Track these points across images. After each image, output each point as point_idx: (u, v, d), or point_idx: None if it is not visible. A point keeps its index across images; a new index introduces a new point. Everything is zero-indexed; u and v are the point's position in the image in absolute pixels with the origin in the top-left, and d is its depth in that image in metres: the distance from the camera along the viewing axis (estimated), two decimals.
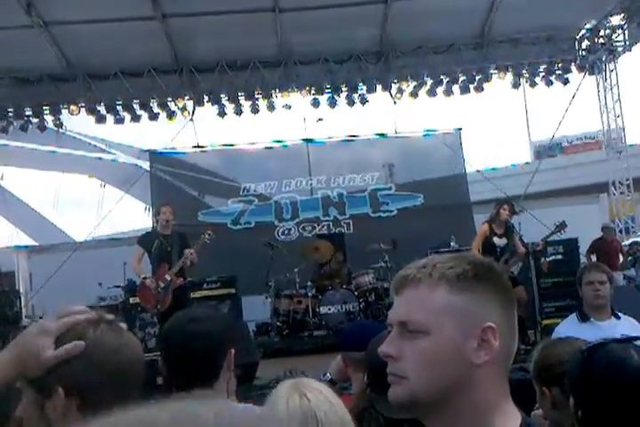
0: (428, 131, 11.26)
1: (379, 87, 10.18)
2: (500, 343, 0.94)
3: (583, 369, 1.54)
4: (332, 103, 10.13)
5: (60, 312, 1.08)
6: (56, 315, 1.09)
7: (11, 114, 9.75)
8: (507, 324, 0.97)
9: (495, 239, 6.51)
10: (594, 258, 8.82)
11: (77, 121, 10.63)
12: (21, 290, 10.48)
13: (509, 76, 10.32)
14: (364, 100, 10.13)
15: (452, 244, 8.72)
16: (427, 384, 0.94)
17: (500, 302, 0.97)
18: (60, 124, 10.13)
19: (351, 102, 10.13)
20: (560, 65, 10.29)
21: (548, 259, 8.35)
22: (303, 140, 10.89)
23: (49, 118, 9.96)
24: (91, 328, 1.11)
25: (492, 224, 6.58)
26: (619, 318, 3.37)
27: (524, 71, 10.26)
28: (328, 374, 2.53)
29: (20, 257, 11.14)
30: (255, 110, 10.05)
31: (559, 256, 8.49)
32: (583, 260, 8.72)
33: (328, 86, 10.09)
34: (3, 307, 8.57)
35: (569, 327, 3.32)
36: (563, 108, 10.73)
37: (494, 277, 0.99)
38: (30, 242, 13.72)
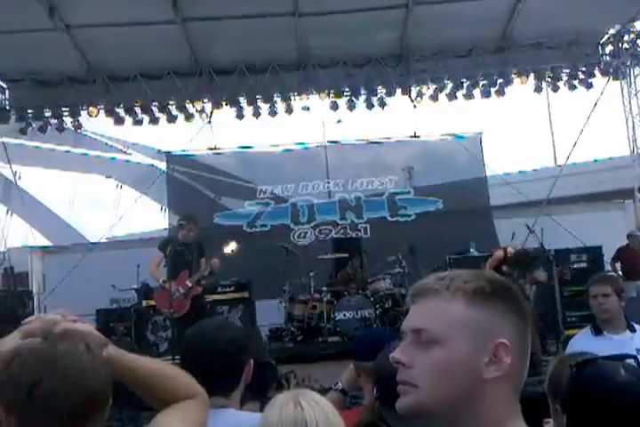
0: (448, 135, 11.12)
1: (398, 91, 10.07)
2: (512, 361, 0.96)
3: (571, 385, 1.52)
4: (351, 106, 10.04)
5: (30, 318, 1.05)
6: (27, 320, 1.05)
7: (30, 115, 9.82)
8: (520, 342, 0.99)
9: (504, 268, 6.43)
10: (619, 266, 8.63)
11: (96, 122, 10.68)
12: (34, 291, 10.48)
13: (531, 81, 10.15)
14: (383, 104, 10.02)
15: (471, 249, 8.56)
16: (436, 394, 0.95)
17: (516, 321, 0.99)
18: (78, 126, 10.19)
19: (370, 106, 10.03)
20: (583, 69, 10.10)
21: (571, 266, 8.17)
22: (321, 143, 10.84)
23: (68, 120, 10.02)
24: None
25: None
26: (634, 330, 3.25)
27: (546, 75, 10.08)
28: (339, 384, 2.44)
29: (33, 257, 11.17)
30: (273, 113, 10.00)
31: (583, 264, 8.31)
32: (607, 268, 8.52)
33: (347, 90, 10.00)
34: (15, 307, 8.57)
35: (582, 341, 3.27)
36: (587, 112, 10.50)
37: (511, 296, 1.01)
38: (46, 242, 13.76)
